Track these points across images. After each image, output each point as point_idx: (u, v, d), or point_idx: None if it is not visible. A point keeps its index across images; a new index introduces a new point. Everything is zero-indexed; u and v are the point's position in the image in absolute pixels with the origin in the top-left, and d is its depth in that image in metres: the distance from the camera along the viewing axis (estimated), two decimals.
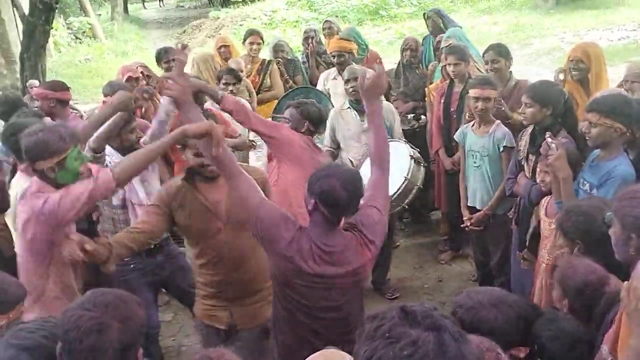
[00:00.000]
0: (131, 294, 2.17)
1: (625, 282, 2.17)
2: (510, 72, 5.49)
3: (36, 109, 5.32)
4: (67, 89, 5.41)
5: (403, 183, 4.80)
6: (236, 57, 7.44)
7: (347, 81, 5.56)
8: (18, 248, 3.45)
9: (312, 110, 4.67)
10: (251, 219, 2.99)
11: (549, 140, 3.71)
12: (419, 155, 5.09)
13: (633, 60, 5.52)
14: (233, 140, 5.54)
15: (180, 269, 4.58)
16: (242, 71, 6.85)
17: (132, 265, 4.32)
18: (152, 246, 4.15)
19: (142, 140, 4.32)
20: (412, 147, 5.15)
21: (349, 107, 5.53)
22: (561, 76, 5.24)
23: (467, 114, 5.38)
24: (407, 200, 4.93)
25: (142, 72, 6.41)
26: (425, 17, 7.65)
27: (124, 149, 4.28)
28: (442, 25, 7.24)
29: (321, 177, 2.91)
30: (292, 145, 4.47)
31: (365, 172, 3.33)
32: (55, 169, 3.27)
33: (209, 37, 21.50)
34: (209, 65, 6.90)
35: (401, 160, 4.92)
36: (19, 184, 4.07)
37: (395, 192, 4.78)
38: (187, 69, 6.79)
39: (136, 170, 3.35)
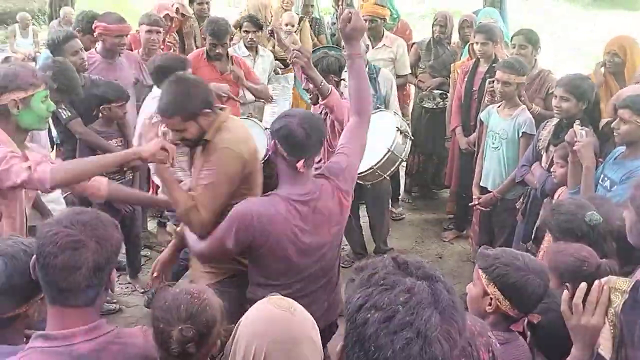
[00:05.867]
0: (108, 216, 2.14)
1: (565, 293, 2.18)
2: (536, 60, 5.44)
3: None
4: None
5: (386, 154, 4.74)
6: (272, 9, 7.41)
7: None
8: None
9: (329, 62, 4.57)
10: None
11: (578, 127, 3.71)
12: (406, 127, 5.04)
13: None
14: (256, 86, 5.53)
15: None
16: (293, 26, 6.82)
17: None
18: None
19: None
20: (401, 119, 5.10)
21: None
22: (602, 69, 5.22)
23: (487, 96, 5.36)
24: (389, 172, 4.90)
25: (177, 9, 6.42)
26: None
27: None
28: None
29: (280, 118, 2.95)
30: None
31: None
32: (19, 106, 3.05)
33: None
34: (260, 14, 6.84)
35: (387, 131, 4.86)
36: None
37: (378, 163, 4.74)
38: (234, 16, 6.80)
39: (77, 179, 3.09)
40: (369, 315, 1.42)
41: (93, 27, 5.22)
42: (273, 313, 1.94)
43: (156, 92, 4.43)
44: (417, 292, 1.42)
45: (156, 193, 6.14)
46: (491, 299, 2.43)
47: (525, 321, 2.52)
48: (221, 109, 3.33)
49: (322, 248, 3.03)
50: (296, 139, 2.86)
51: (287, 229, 2.90)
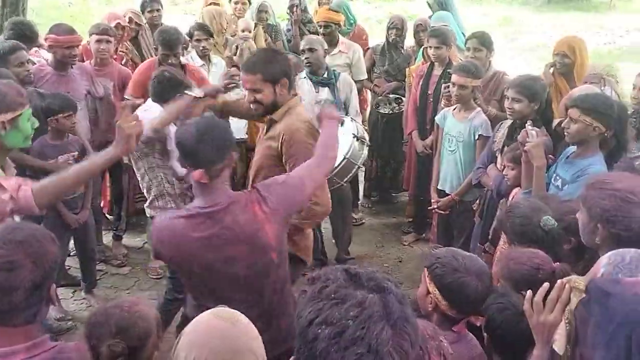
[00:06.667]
0: (45, 230, 2.10)
1: (528, 293, 2.20)
2: (490, 62, 5.48)
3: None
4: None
5: (342, 162, 4.67)
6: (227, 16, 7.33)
7: (302, 51, 5.57)
8: None
9: None
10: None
11: (529, 128, 3.74)
12: (363, 133, 5.05)
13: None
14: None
15: None
16: (250, 31, 6.76)
17: None
18: None
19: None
20: (358, 125, 5.10)
21: (305, 77, 5.51)
22: (551, 70, 5.28)
23: (443, 101, 5.38)
24: (346, 179, 4.83)
25: (131, 18, 6.31)
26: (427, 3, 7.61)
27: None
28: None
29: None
30: None
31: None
32: (7, 127, 3.01)
33: None
34: (215, 21, 6.75)
35: (343, 138, 4.83)
36: None
37: (334, 170, 4.68)
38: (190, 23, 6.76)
39: (60, 194, 3.01)
40: (319, 330, 1.40)
41: (44, 38, 5.13)
42: (213, 324, 1.91)
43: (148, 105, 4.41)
44: (368, 306, 1.41)
45: (110, 208, 6.08)
46: (432, 297, 2.44)
47: (484, 323, 2.53)
48: None
49: (232, 267, 2.73)
50: (185, 146, 2.69)
51: (187, 244, 2.70)
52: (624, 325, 1.88)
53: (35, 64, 5.08)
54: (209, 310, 1.97)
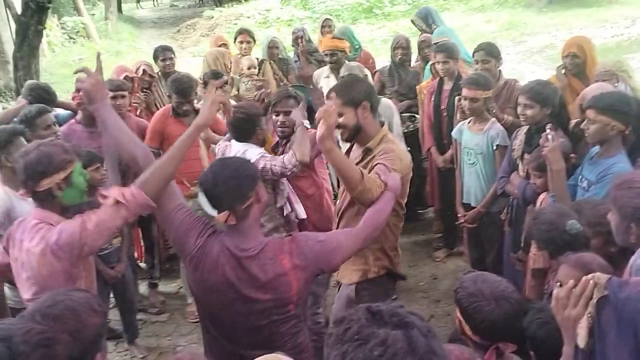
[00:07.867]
0: (89, 300, 2.11)
1: (555, 289, 2.22)
2: (500, 71, 5.50)
3: None
4: None
5: None
6: (230, 56, 7.44)
7: (342, 78, 5.57)
8: (24, 280, 2.93)
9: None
10: (164, 225, 2.90)
11: (549, 131, 3.76)
12: None
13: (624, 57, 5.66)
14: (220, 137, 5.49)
15: None
16: (255, 67, 6.86)
17: None
18: None
19: None
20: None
21: None
22: (563, 71, 5.31)
23: (459, 113, 5.40)
24: None
25: (144, 70, 6.42)
26: (412, 21, 7.71)
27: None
28: (425, 28, 7.27)
29: None
30: None
31: None
32: (62, 187, 2.97)
33: (203, 36, 21.48)
34: (219, 62, 6.82)
35: None
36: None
37: None
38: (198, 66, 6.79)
39: (163, 182, 2.87)
40: None
41: (71, 97, 5.24)
42: None
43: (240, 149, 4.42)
44: (391, 344, 1.40)
45: (141, 255, 6.14)
46: (458, 321, 2.49)
47: (528, 342, 2.54)
48: None
49: (248, 310, 2.74)
50: (205, 189, 2.71)
51: (216, 276, 2.72)
52: (630, 324, 1.89)
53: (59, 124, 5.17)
54: (270, 355, 1.98)
